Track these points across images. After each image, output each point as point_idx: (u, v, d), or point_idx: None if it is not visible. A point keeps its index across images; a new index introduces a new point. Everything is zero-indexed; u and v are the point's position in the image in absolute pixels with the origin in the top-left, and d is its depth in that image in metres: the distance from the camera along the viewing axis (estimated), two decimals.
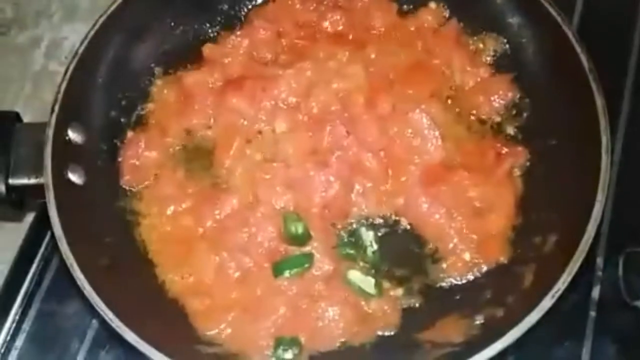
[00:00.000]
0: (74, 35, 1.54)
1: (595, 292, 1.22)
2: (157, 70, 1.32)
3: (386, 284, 1.13)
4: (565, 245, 1.05)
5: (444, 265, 1.14)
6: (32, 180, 1.12)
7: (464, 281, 1.14)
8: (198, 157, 1.24)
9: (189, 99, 1.27)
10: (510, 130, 1.24)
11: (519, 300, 1.05)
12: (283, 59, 1.29)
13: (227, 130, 1.24)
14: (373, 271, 1.14)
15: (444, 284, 1.14)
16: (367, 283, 1.12)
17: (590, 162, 1.08)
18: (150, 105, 1.29)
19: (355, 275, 1.12)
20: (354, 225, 1.18)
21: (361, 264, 1.15)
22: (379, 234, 1.17)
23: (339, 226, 1.17)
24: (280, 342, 1.07)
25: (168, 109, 1.28)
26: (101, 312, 1.01)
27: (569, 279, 1.00)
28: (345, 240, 1.16)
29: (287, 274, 1.11)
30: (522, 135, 1.24)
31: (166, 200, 1.20)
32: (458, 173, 1.18)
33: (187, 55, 1.32)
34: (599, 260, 1.24)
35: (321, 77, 1.23)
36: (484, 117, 1.25)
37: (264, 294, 1.10)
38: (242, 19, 1.37)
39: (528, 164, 1.21)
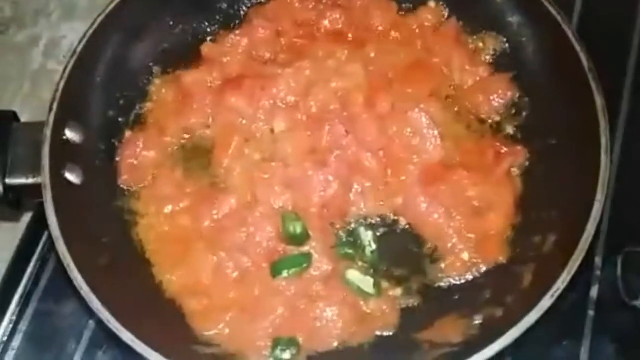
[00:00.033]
0: (73, 34, 1.54)
1: (594, 292, 1.22)
2: (156, 69, 1.31)
3: (385, 284, 1.13)
4: (564, 244, 1.05)
5: (443, 265, 1.14)
6: (30, 180, 1.12)
7: (462, 281, 1.13)
8: (196, 156, 1.24)
9: (187, 99, 1.27)
10: (510, 129, 1.24)
11: (518, 300, 1.05)
12: (282, 58, 1.29)
13: (225, 130, 1.23)
14: (372, 271, 1.14)
15: (442, 284, 1.14)
16: (366, 283, 1.12)
17: (589, 162, 1.07)
18: (148, 105, 1.29)
19: (354, 275, 1.12)
20: (353, 225, 1.18)
21: (360, 263, 1.14)
22: (378, 234, 1.17)
23: (338, 226, 1.17)
24: (278, 343, 1.07)
25: (166, 108, 1.28)
26: (98, 313, 1.01)
27: (569, 278, 0.99)
28: (344, 240, 1.16)
29: (285, 274, 1.10)
30: (521, 134, 1.23)
31: (164, 200, 1.19)
32: (457, 172, 1.17)
33: (186, 55, 1.31)
34: (598, 260, 1.24)
35: (320, 76, 1.23)
36: (483, 116, 1.25)
37: (262, 294, 1.10)
38: (241, 17, 1.37)
39: (527, 163, 1.20)
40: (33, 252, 1.28)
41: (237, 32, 1.32)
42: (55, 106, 1.14)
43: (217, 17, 1.36)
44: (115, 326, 1.00)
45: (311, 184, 1.15)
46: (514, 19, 1.28)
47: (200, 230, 1.15)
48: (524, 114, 1.24)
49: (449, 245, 1.14)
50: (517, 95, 1.25)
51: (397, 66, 1.27)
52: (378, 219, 1.18)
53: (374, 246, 1.16)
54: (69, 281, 1.03)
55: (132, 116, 1.28)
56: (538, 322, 0.98)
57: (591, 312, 1.20)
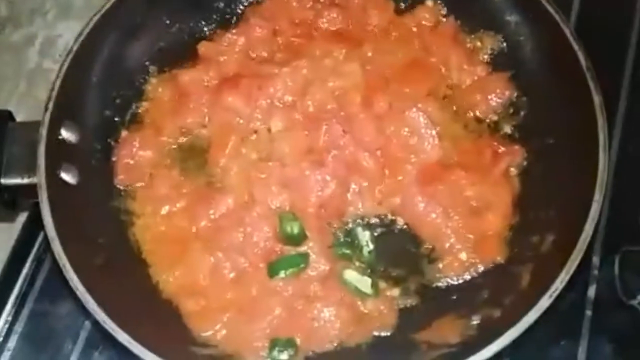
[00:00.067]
0: (69, 33, 1.53)
1: (591, 291, 1.22)
2: (152, 68, 1.31)
3: (382, 284, 1.13)
4: (562, 244, 1.05)
5: (441, 265, 1.14)
6: (25, 180, 1.11)
7: (460, 281, 1.13)
8: (193, 156, 1.23)
9: (184, 98, 1.26)
10: (508, 128, 1.24)
11: (516, 300, 1.04)
12: (279, 57, 1.29)
13: (222, 129, 1.23)
14: (369, 271, 1.13)
15: (440, 284, 1.13)
16: (364, 283, 1.11)
17: (587, 161, 1.07)
18: (144, 104, 1.28)
19: (352, 275, 1.12)
20: (350, 225, 1.17)
21: (357, 263, 1.14)
22: (375, 234, 1.17)
23: (335, 226, 1.17)
24: (275, 343, 1.07)
25: (163, 107, 1.28)
26: (94, 313, 1.00)
27: (567, 278, 0.99)
28: (341, 240, 1.16)
29: (282, 274, 1.10)
30: (519, 134, 1.23)
31: (160, 199, 1.19)
32: (455, 172, 1.17)
33: (183, 53, 1.31)
34: (595, 259, 1.24)
35: (317, 75, 1.23)
36: (481, 115, 1.25)
37: (260, 294, 1.10)
38: (238, 16, 1.36)
39: (525, 162, 1.20)
40: (28, 252, 1.28)
41: (234, 31, 1.31)
42: (50, 105, 1.13)
43: (214, 16, 1.36)
44: (111, 327, 0.99)
45: (308, 184, 1.15)
46: (511, 18, 1.28)
47: (196, 230, 1.15)
48: (522, 113, 1.24)
49: (447, 245, 1.14)
50: (515, 94, 1.25)
51: (394, 65, 1.26)
52: (375, 219, 1.18)
53: (371, 246, 1.16)
54: (65, 282, 1.02)
55: (128, 115, 1.27)
56: (536, 322, 0.98)
57: (588, 312, 1.20)
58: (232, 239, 1.12)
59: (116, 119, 1.26)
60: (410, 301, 1.12)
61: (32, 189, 1.09)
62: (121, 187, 1.21)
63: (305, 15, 1.33)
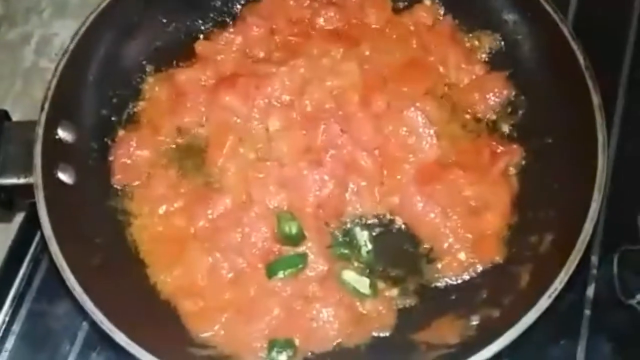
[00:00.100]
0: (65, 32, 1.53)
1: (590, 291, 1.22)
2: (149, 67, 1.30)
3: (381, 284, 1.12)
4: (561, 244, 1.05)
5: (439, 265, 1.14)
6: (22, 180, 1.11)
7: (459, 281, 1.13)
8: (190, 155, 1.23)
9: (181, 97, 1.26)
10: (506, 128, 1.24)
11: (516, 301, 1.04)
12: (276, 56, 1.28)
13: (220, 129, 1.22)
14: (368, 271, 1.13)
15: (439, 284, 1.13)
16: (362, 283, 1.11)
17: (586, 161, 1.07)
18: (141, 103, 1.28)
19: (350, 276, 1.12)
20: (349, 225, 1.17)
21: (356, 264, 1.14)
22: (374, 234, 1.17)
23: (333, 226, 1.16)
24: (274, 344, 1.06)
25: (160, 106, 1.27)
26: (91, 314, 1.00)
27: (566, 278, 0.99)
28: (340, 240, 1.16)
29: (281, 274, 1.10)
30: (517, 133, 1.23)
31: (158, 199, 1.18)
32: (453, 172, 1.17)
33: (179, 52, 1.31)
34: (594, 259, 1.24)
35: (315, 74, 1.22)
36: (479, 115, 1.25)
37: (258, 295, 1.09)
38: (235, 15, 1.36)
39: (524, 162, 1.20)
40: (25, 252, 1.27)
41: (231, 30, 1.31)
42: (47, 105, 1.13)
43: (211, 15, 1.35)
44: (109, 327, 0.99)
45: (306, 184, 1.14)
46: (509, 17, 1.28)
47: (194, 230, 1.15)
48: (520, 112, 1.24)
49: (446, 245, 1.14)
50: (513, 93, 1.25)
51: (392, 64, 1.26)
52: (374, 219, 1.18)
53: (369, 246, 1.15)
54: (62, 282, 1.02)
55: (125, 115, 1.27)
56: (534, 322, 0.97)
57: (587, 311, 1.20)
58: (230, 239, 1.12)
59: (113, 118, 1.26)
60: (409, 301, 1.12)
61: (28, 189, 1.08)
62: (118, 187, 1.21)
63: (302, 14, 1.32)
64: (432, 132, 1.18)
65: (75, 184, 1.14)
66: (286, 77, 1.22)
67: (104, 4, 1.21)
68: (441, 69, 1.27)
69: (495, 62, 1.28)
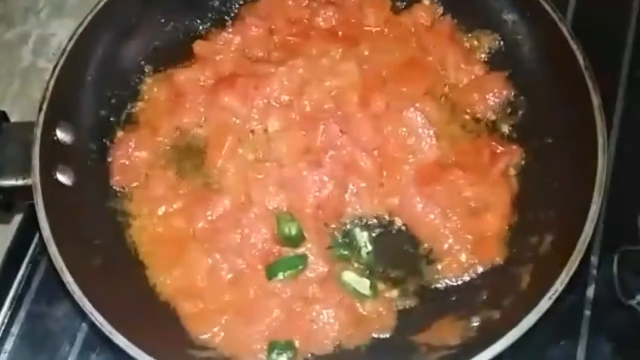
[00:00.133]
0: (62, 32, 1.53)
1: (590, 291, 1.22)
2: (147, 67, 1.30)
3: (381, 286, 1.12)
4: (561, 245, 1.05)
5: (439, 266, 1.13)
6: (20, 181, 1.11)
7: (459, 282, 1.13)
8: (189, 156, 1.23)
9: (179, 97, 1.25)
10: (505, 128, 1.23)
11: (516, 302, 1.04)
12: (275, 56, 1.28)
13: (218, 129, 1.22)
14: (368, 272, 1.13)
15: (439, 285, 1.13)
16: (362, 284, 1.11)
17: (586, 161, 1.07)
18: (140, 104, 1.28)
19: (350, 277, 1.11)
20: (348, 226, 1.17)
21: (355, 265, 1.14)
22: (374, 235, 1.16)
23: (333, 227, 1.16)
24: (274, 346, 1.06)
25: (158, 107, 1.27)
26: (91, 316, 1.00)
27: (567, 279, 0.99)
28: (340, 241, 1.15)
29: (280, 276, 1.10)
30: (517, 133, 1.23)
31: (157, 200, 1.18)
32: (453, 172, 1.17)
33: (178, 53, 1.30)
34: (594, 259, 1.24)
35: (314, 74, 1.22)
36: (478, 115, 1.24)
37: (258, 296, 1.09)
38: (234, 15, 1.35)
39: (523, 162, 1.20)
40: (24, 254, 1.27)
41: (230, 30, 1.31)
42: (45, 106, 1.12)
43: (209, 15, 1.35)
44: (108, 329, 0.99)
45: (306, 184, 1.14)
46: (509, 17, 1.28)
47: (194, 231, 1.14)
48: (520, 112, 1.24)
49: (445, 246, 1.14)
50: (513, 93, 1.25)
51: (391, 65, 1.26)
52: (374, 220, 1.18)
53: (369, 247, 1.15)
54: (61, 283, 1.02)
55: (124, 115, 1.27)
56: (535, 323, 0.97)
57: (587, 312, 1.20)
58: (229, 240, 1.12)
59: (111, 119, 1.25)
60: (409, 302, 1.11)
61: (27, 190, 1.08)
62: (117, 188, 1.21)
63: (301, 14, 1.32)
64: (431, 132, 1.18)
65: (74, 185, 1.14)
66: (285, 77, 1.21)
67: (101, 4, 1.21)
68: (440, 69, 1.27)
69: (494, 62, 1.28)
